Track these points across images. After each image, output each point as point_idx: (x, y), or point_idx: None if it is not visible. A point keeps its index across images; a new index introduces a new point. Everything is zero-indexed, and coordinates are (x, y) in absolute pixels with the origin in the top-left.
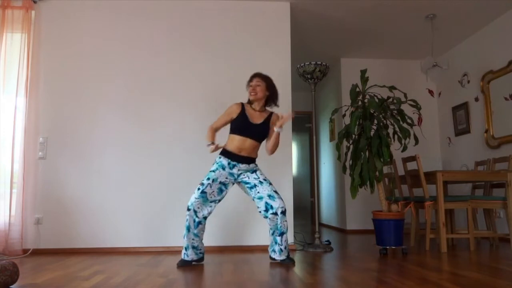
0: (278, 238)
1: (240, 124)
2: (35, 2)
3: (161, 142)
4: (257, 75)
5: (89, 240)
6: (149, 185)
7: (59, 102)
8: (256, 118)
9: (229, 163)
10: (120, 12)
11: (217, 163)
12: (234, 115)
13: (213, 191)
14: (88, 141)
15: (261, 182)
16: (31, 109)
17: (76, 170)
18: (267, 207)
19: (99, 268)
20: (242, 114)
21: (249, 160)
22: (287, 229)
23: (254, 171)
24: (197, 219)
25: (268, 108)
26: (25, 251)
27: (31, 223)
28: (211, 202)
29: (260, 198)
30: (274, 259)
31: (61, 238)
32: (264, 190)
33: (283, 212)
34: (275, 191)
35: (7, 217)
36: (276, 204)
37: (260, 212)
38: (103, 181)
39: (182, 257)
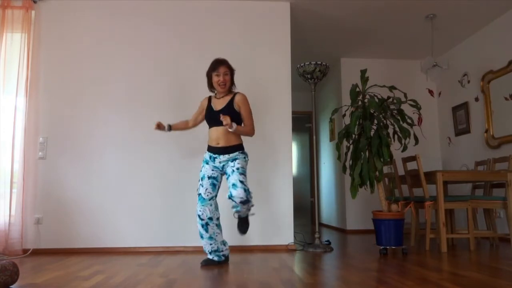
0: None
1: (208, 116)
2: (35, 2)
3: (161, 142)
4: (223, 63)
5: (89, 240)
6: (149, 185)
7: (59, 102)
8: (219, 104)
9: (210, 157)
10: (120, 12)
11: (203, 160)
12: (204, 108)
13: (207, 189)
14: (88, 141)
15: (233, 171)
16: (31, 109)
17: (76, 170)
18: (229, 195)
19: (99, 268)
20: (209, 106)
21: (229, 149)
22: (245, 213)
23: (234, 160)
24: (202, 222)
25: (233, 90)
26: (25, 251)
27: (31, 223)
28: (209, 200)
29: (229, 186)
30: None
31: (61, 238)
32: (231, 179)
33: (243, 202)
34: (241, 181)
35: (7, 217)
36: (235, 193)
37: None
38: (103, 181)
39: (208, 256)
